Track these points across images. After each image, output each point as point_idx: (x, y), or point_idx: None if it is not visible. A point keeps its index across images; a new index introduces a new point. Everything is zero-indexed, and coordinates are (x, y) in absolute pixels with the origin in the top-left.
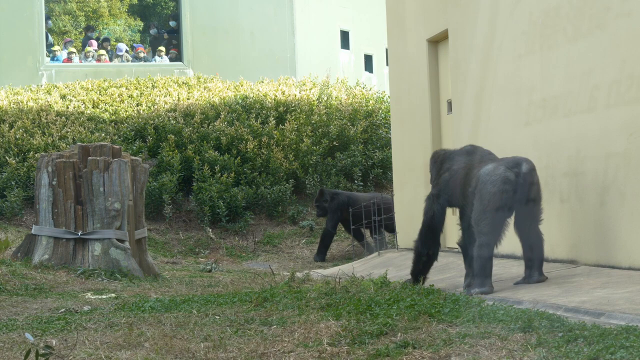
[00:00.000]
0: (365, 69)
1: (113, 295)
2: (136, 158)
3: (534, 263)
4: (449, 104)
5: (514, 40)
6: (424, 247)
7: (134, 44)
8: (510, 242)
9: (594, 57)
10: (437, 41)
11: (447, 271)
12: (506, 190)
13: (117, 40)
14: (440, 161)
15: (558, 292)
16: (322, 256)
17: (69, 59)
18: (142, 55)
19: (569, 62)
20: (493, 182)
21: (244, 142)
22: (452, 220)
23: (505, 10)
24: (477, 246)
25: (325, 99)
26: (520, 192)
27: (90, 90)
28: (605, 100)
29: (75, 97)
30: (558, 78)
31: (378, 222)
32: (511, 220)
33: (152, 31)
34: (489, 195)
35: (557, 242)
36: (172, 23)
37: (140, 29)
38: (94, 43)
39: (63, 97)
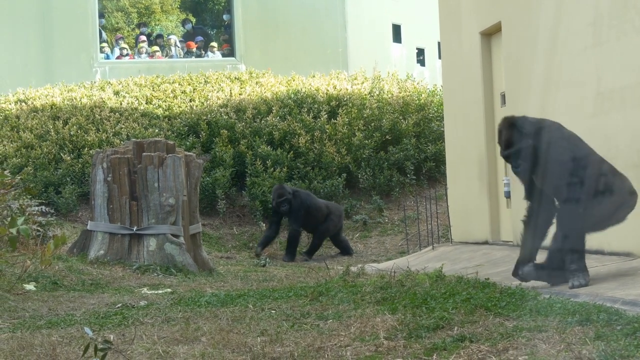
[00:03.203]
0: (417, 63)
1: (169, 290)
2: (190, 153)
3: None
4: (503, 96)
5: (578, 32)
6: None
7: (182, 39)
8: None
9: None
10: (490, 34)
11: (502, 264)
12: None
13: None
14: (527, 131)
15: (615, 285)
16: (291, 256)
17: (121, 55)
18: (193, 49)
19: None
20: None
21: (297, 136)
22: (505, 211)
23: (568, 2)
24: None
25: (377, 92)
26: None
27: (144, 87)
28: None
29: (128, 94)
30: (627, 69)
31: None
32: None
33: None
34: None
35: (613, 235)
36: (225, 17)
37: (193, 24)
38: (146, 39)
39: (116, 93)
